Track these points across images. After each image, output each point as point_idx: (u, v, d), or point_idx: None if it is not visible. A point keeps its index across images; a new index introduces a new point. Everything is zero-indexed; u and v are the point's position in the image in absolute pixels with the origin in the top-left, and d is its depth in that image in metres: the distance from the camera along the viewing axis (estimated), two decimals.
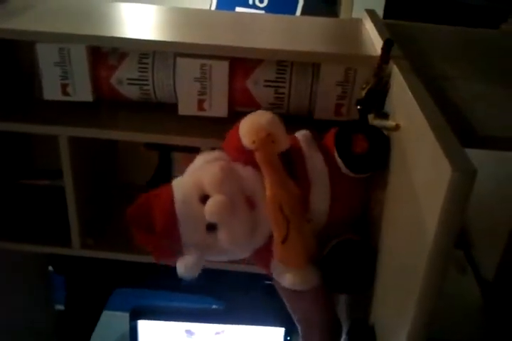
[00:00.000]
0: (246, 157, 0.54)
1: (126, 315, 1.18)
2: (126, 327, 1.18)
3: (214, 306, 1.29)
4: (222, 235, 0.53)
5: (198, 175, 0.55)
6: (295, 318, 0.61)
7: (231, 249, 0.54)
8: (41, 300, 1.19)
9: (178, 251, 0.54)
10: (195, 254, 0.53)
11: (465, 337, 0.76)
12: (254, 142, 0.53)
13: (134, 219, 0.54)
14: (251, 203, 0.53)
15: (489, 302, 0.78)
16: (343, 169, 0.56)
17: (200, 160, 0.58)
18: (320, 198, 0.56)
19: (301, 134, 0.59)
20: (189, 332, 1.17)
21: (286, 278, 0.55)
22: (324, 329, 0.57)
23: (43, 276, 1.18)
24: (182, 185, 0.55)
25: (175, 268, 0.83)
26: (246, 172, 0.54)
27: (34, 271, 1.13)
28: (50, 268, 1.21)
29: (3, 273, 0.99)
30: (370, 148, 0.54)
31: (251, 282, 1.14)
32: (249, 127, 0.54)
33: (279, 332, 1.17)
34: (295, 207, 0.52)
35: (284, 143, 0.55)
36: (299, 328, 0.60)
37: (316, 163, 0.56)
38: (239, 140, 0.54)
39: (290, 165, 0.56)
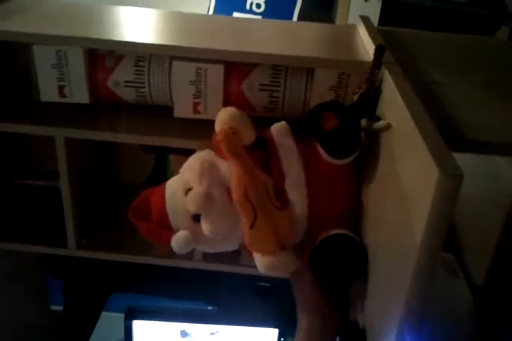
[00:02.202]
0: None
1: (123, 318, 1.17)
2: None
3: (209, 307, 1.29)
4: (204, 224, 0.56)
5: (185, 171, 0.60)
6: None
7: (215, 239, 0.57)
8: (37, 301, 1.19)
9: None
10: (186, 231, 0.57)
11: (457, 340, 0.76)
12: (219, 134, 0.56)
13: (135, 212, 0.60)
14: (232, 195, 0.56)
15: (480, 308, 0.79)
16: (321, 152, 0.57)
17: (191, 158, 0.61)
18: (295, 188, 0.58)
19: (274, 127, 0.61)
20: (184, 333, 1.18)
21: (257, 263, 0.57)
22: (316, 318, 0.58)
23: (39, 277, 1.18)
24: (172, 182, 0.60)
25: (171, 274, 0.83)
26: (226, 166, 0.57)
27: (30, 271, 1.13)
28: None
29: None
30: (340, 126, 0.56)
31: (246, 283, 1.14)
32: (216, 121, 0.59)
33: (273, 333, 1.17)
34: (262, 195, 0.54)
35: (248, 135, 0.58)
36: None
37: (289, 154, 0.59)
38: None
39: (268, 158, 0.59)
